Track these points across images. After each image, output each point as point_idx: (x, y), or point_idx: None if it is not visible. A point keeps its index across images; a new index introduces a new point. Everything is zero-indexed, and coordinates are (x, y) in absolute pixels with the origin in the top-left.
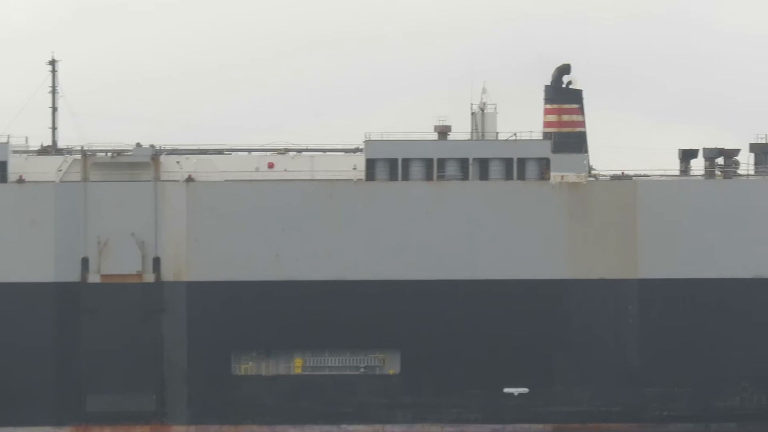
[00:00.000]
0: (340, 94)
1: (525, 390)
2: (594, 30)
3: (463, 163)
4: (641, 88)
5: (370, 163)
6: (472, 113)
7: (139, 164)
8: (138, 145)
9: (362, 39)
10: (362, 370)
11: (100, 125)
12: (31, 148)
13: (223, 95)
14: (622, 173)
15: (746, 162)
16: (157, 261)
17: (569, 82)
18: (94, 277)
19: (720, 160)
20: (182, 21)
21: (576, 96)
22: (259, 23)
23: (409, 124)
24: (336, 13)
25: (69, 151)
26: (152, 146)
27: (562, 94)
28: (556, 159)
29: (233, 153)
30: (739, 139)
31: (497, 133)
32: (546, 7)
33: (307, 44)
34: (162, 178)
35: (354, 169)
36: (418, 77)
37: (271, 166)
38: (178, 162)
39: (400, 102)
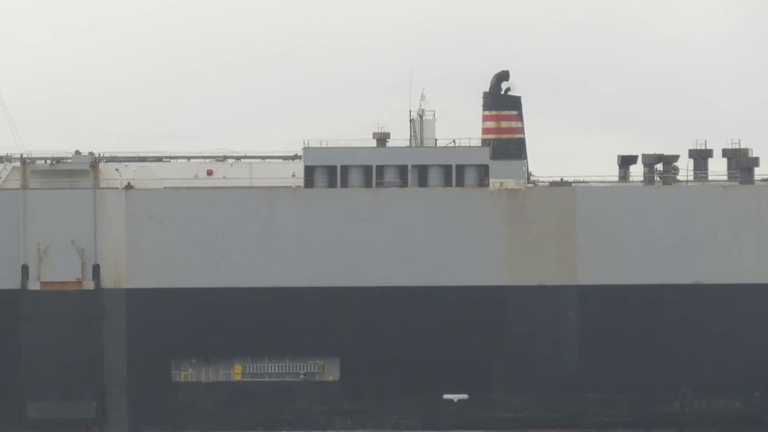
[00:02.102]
0: (279, 102)
1: (465, 396)
2: (532, 37)
3: (402, 169)
4: (580, 95)
5: (309, 170)
6: (411, 120)
7: (79, 172)
8: (77, 152)
9: (302, 47)
10: (302, 376)
11: (39, 133)
12: None
13: (163, 104)
14: (561, 180)
15: (685, 168)
16: (96, 268)
17: (508, 89)
18: (34, 285)
19: (659, 166)
20: (119, 38)
21: (515, 103)
22: (197, 35)
23: (348, 131)
24: (274, 23)
25: (8, 158)
26: (91, 154)
27: (500, 101)
28: (494, 166)
29: (172, 160)
30: (678, 144)
31: (436, 139)
32: (482, 14)
33: (247, 53)
34: (101, 186)
35: (293, 176)
36: (356, 84)
37: (209, 173)
38: (117, 169)
39: (339, 109)
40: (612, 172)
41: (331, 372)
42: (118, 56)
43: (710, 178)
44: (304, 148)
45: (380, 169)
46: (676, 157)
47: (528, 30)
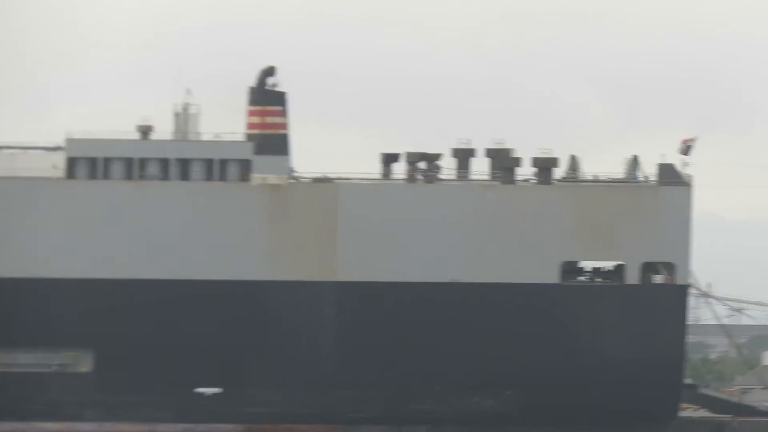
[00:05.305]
0: (44, 91)
1: (219, 390)
2: (299, 34)
3: (164, 163)
4: (345, 92)
5: (71, 162)
6: (175, 113)
7: None
8: None
9: (69, 41)
10: (54, 367)
11: None
12: None
13: None
14: (324, 176)
15: (448, 167)
16: None
17: (273, 85)
18: None
19: (422, 165)
20: None
21: (279, 98)
22: None
23: (115, 126)
24: (42, 17)
25: None
26: None
27: (265, 96)
28: (258, 161)
29: None
30: (442, 143)
31: (199, 133)
32: (250, 13)
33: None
34: None
35: (54, 167)
36: (123, 81)
37: None
38: None
39: (106, 105)
40: (376, 170)
41: (84, 363)
42: None
43: (473, 177)
44: (67, 139)
45: (142, 162)
46: (438, 156)
47: (295, 28)
